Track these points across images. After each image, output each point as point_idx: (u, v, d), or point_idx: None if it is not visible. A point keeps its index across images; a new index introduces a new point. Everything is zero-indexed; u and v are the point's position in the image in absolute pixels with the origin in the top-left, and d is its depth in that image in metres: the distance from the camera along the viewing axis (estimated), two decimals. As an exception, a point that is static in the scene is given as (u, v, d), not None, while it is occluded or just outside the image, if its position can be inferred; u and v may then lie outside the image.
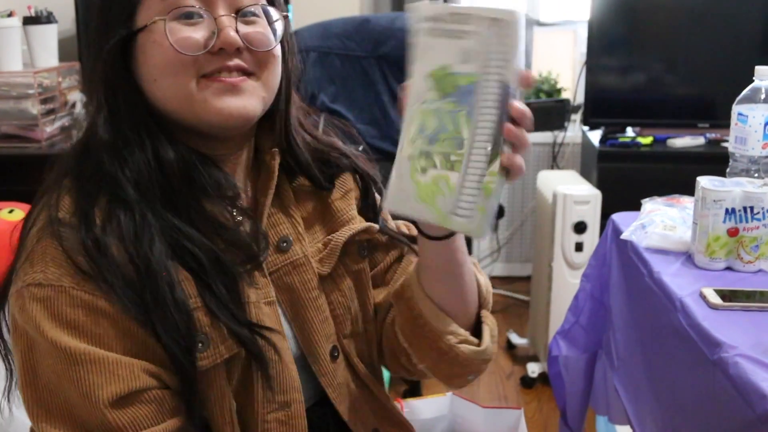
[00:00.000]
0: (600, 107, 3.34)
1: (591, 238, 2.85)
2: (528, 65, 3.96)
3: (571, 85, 3.99)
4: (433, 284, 1.09)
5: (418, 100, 0.88)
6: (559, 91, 3.98)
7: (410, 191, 0.89)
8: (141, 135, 0.98)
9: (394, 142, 3.20)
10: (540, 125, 3.81)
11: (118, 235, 0.92)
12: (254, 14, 1.01)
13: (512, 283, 3.97)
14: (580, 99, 3.75)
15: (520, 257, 4.05)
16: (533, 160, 3.93)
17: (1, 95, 2.33)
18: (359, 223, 1.16)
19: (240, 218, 1.03)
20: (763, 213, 1.56)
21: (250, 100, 1.00)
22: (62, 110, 2.46)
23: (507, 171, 0.87)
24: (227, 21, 0.98)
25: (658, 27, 3.39)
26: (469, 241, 3.99)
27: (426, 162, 0.88)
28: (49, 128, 2.39)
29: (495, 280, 4.00)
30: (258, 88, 1.01)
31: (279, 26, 1.04)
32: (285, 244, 1.08)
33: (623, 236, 1.76)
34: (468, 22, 0.84)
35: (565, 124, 3.81)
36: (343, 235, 1.13)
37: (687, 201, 1.90)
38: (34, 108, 2.33)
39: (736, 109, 1.78)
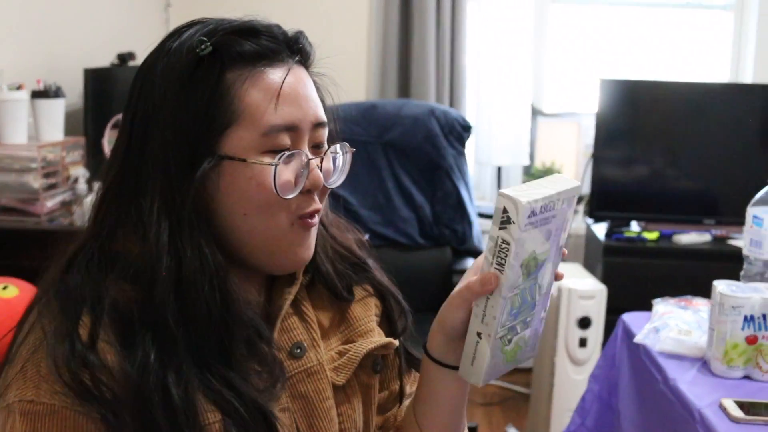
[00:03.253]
0: (606, 200, 3.33)
1: (595, 334, 2.80)
2: (531, 155, 3.96)
3: (575, 177, 3.99)
4: (434, 418, 1.07)
5: (511, 289, 0.90)
6: (562, 181, 3.97)
7: (500, 361, 0.94)
8: (206, 273, 0.90)
9: (397, 229, 3.14)
10: (543, 216, 3.81)
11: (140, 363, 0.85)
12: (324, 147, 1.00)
13: (511, 374, 3.88)
14: (582, 190, 3.75)
15: (520, 348, 3.97)
16: (536, 251, 3.89)
17: (3, 168, 2.29)
18: (378, 336, 1.11)
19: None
20: (783, 321, 1.52)
21: (314, 241, 1.01)
22: (64, 185, 2.42)
23: None
24: (315, 162, 0.96)
25: (663, 121, 3.40)
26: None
27: (510, 333, 0.94)
28: (50, 203, 2.35)
29: (493, 371, 3.91)
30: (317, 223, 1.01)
31: (348, 159, 1.03)
32: (299, 351, 1.02)
33: (636, 339, 1.71)
34: (555, 206, 0.89)
35: (568, 215, 3.79)
36: (363, 346, 1.07)
37: (700, 303, 1.86)
38: (35, 182, 2.30)
39: (751, 211, 1.76)
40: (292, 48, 0.97)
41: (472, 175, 4.00)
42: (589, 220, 3.47)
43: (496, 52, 3.83)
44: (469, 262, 3.16)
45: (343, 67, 3.57)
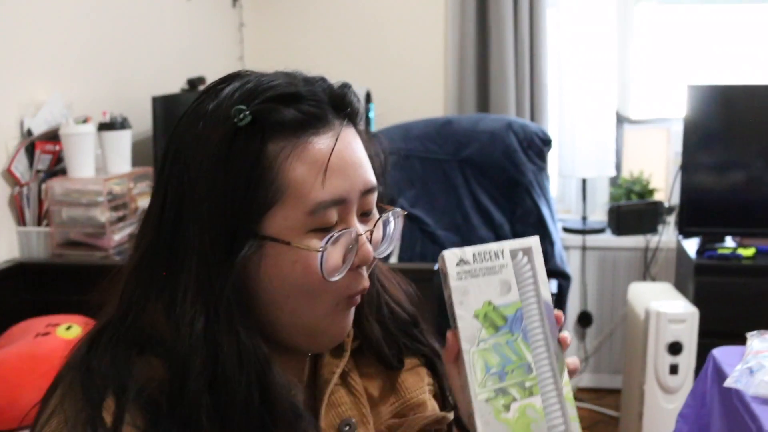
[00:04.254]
0: (696, 213, 3.13)
1: (687, 360, 2.63)
2: (618, 165, 3.79)
3: (665, 186, 3.80)
4: None
5: (473, 342, 0.87)
6: (651, 192, 3.79)
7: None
8: (245, 368, 0.83)
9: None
10: (631, 228, 3.64)
11: None
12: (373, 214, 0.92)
13: (601, 397, 3.72)
14: (673, 200, 3.56)
15: (609, 368, 3.80)
16: (624, 267, 3.72)
17: (71, 202, 2.29)
18: (431, 409, 1.03)
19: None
20: None
21: (352, 314, 0.94)
22: (132, 217, 2.40)
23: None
24: (365, 236, 0.88)
25: (757, 128, 3.17)
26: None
27: (505, 399, 0.87)
28: (117, 236, 2.33)
29: (582, 392, 3.75)
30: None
31: (399, 224, 0.95)
32: (348, 428, 0.95)
33: (727, 384, 1.57)
34: (498, 257, 0.89)
35: (658, 228, 3.62)
36: (416, 422, 0.99)
37: (800, 339, 1.69)
38: (102, 215, 2.28)
39: None
40: (338, 108, 0.88)
41: (556, 188, 3.87)
42: (680, 236, 3.27)
43: (578, 59, 3.67)
44: (552, 284, 3.03)
45: (421, 83, 3.51)
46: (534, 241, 0.90)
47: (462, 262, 0.87)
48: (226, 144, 0.82)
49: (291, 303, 0.86)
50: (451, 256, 0.87)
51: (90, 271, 2.27)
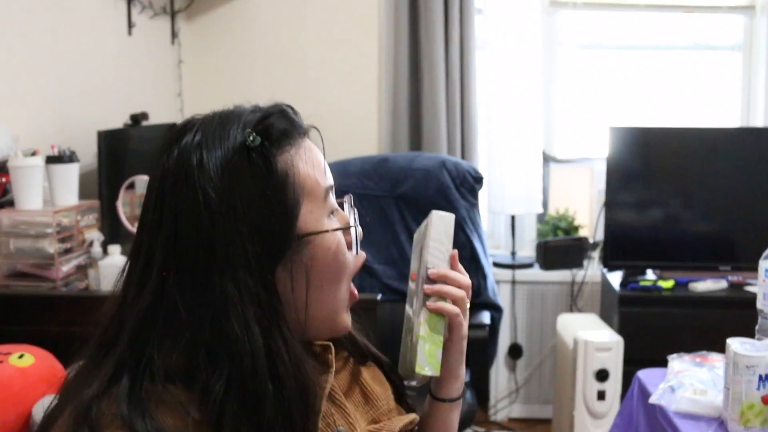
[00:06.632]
0: (619, 248, 3.31)
1: (614, 386, 2.77)
2: (545, 203, 3.95)
3: (589, 223, 3.98)
4: None
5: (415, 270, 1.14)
6: (576, 228, 3.96)
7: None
8: (292, 360, 0.90)
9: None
10: (558, 263, 3.80)
11: None
12: None
13: (532, 427, 3.84)
14: (597, 236, 3.73)
15: (540, 399, 3.92)
16: (551, 301, 3.87)
17: (19, 233, 2.32)
18: (402, 414, 1.15)
19: None
20: (799, 381, 1.50)
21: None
22: (79, 249, 2.44)
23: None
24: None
25: (675, 167, 3.39)
26: (486, 381, 3.88)
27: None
28: (65, 267, 2.36)
29: (514, 423, 3.87)
30: None
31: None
32: None
33: (651, 400, 1.70)
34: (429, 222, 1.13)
35: (584, 262, 3.78)
36: (395, 424, 1.10)
37: (716, 359, 1.84)
38: (51, 247, 2.31)
39: (763, 264, 1.74)
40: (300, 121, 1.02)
41: (486, 225, 4.01)
42: (604, 270, 3.44)
43: (506, 100, 3.84)
44: (485, 315, 3.15)
45: (356, 123, 3.61)
46: (439, 215, 1.12)
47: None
48: (244, 165, 0.91)
49: (323, 291, 0.97)
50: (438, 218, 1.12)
51: (37, 302, 2.30)
